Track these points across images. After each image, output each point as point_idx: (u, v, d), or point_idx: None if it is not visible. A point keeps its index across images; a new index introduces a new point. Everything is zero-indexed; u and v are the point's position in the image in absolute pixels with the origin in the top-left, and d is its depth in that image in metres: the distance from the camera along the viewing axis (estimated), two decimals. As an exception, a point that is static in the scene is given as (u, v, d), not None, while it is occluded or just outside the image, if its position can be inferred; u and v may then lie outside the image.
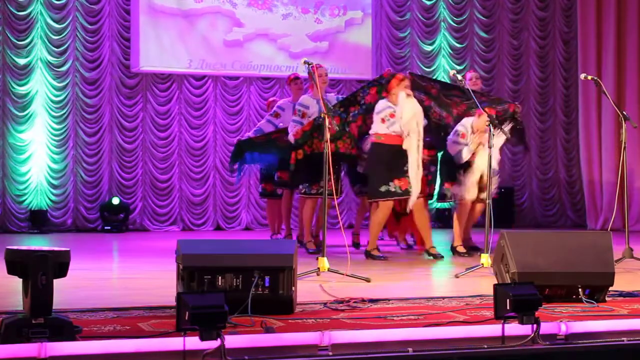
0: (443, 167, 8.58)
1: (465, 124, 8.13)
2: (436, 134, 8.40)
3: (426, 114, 8.12)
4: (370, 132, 7.94)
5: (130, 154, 11.91)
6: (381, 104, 7.89)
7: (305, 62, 6.86)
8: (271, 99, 10.47)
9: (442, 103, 8.35)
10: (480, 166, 7.98)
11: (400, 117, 7.71)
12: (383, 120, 7.78)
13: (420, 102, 8.09)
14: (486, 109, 7.71)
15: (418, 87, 8.28)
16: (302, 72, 9.20)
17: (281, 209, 9.38)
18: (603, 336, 4.19)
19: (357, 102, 8.26)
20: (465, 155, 8.07)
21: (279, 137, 8.72)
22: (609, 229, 7.38)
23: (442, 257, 8.04)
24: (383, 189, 7.74)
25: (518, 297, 3.99)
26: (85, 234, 11.27)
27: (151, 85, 11.98)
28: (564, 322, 4.24)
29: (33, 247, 3.87)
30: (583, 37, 12.80)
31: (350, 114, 8.18)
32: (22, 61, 11.39)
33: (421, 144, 7.80)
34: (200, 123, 12.21)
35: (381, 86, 8.21)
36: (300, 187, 8.52)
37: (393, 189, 7.72)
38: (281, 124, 8.91)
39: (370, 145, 7.95)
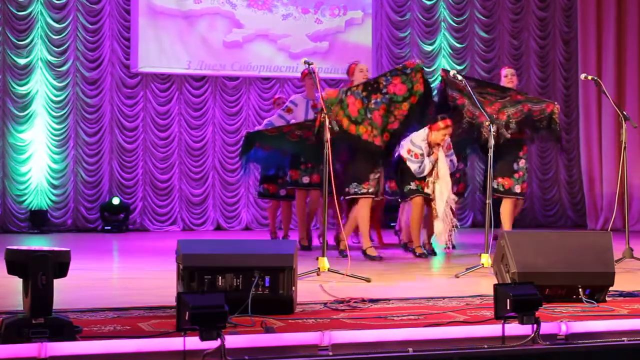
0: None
1: (419, 143, 7.96)
2: (469, 133, 8.29)
3: (459, 113, 8.11)
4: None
5: (131, 154, 11.91)
6: (419, 135, 7.95)
7: (305, 62, 6.84)
8: (277, 95, 10.31)
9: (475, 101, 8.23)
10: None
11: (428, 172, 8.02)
12: (409, 151, 7.99)
13: (453, 100, 8.12)
14: (525, 106, 7.98)
15: (451, 84, 8.21)
16: (325, 72, 8.96)
17: (298, 211, 9.00)
18: (603, 336, 4.19)
19: (380, 90, 8.04)
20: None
21: (290, 131, 8.38)
22: (609, 229, 7.38)
23: (427, 256, 8.08)
24: (406, 189, 8.09)
25: (518, 297, 3.99)
26: (85, 234, 11.26)
27: (151, 85, 11.98)
28: (564, 322, 4.24)
29: (33, 247, 3.87)
30: (583, 37, 12.80)
31: (372, 101, 7.99)
32: (22, 61, 11.39)
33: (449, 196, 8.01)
34: (199, 123, 12.22)
35: (406, 76, 8.06)
36: (348, 188, 8.06)
37: (415, 187, 8.04)
38: (293, 120, 8.67)
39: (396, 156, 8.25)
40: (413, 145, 7.99)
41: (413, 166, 7.97)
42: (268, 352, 3.76)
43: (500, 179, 8.30)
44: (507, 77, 8.81)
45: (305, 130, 8.23)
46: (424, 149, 7.94)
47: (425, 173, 8.00)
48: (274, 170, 9.06)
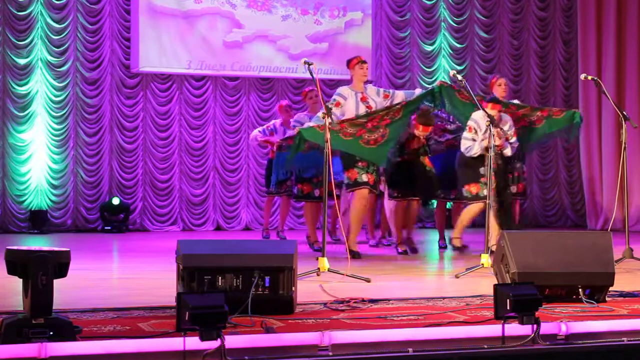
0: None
1: (478, 119, 7.95)
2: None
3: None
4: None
5: (131, 154, 11.91)
6: (479, 112, 7.88)
7: (305, 62, 6.81)
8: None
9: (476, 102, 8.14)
10: None
11: None
12: (469, 128, 8.17)
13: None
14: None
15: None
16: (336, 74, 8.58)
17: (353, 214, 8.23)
18: (603, 336, 4.19)
19: None
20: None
21: (343, 129, 7.81)
22: (609, 229, 7.38)
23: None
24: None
25: (518, 297, 3.98)
26: (85, 234, 11.26)
27: (151, 85, 11.98)
28: (564, 322, 4.24)
29: (33, 247, 3.87)
30: (583, 37, 12.80)
31: None
32: (22, 61, 11.39)
33: None
34: (200, 123, 12.22)
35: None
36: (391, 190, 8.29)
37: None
38: (342, 116, 7.96)
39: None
40: (472, 121, 7.98)
41: (465, 143, 8.00)
42: (268, 352, 3.76)
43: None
44: (501, 86, 8.61)
45: (359, 128, 7.85)
46: (482, 126, 7.80)
47: (472, 153, 7.95)
48: (314, 170, 8.54)
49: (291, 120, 9.29)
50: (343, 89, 8.14)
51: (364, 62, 8.19)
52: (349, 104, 7.99)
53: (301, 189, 8.94)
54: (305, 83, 12.24)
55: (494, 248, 8.54)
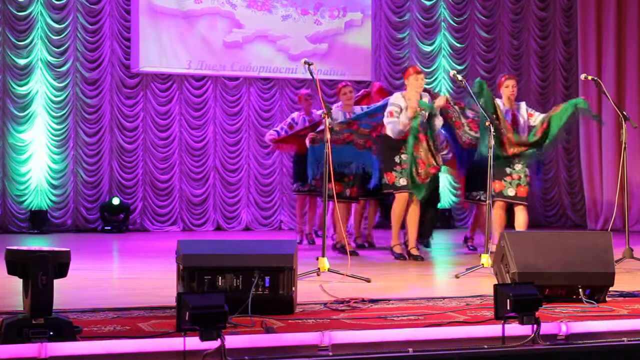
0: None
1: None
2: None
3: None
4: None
5: (131, 154, 11.91)
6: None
7: (305, 63, 6.81)
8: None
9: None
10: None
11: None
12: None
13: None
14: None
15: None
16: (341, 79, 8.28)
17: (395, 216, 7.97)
18: (603, 336, 4.19)
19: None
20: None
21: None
22: (609, 229, 7.37)
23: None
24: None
25: (518, 297, 3.99)
26: (85, 234, 11.26)
27: (151, 85, 11.98)
28: (564, 322, 4.24)
29: (33, 247, 3.87)
30: (583, 37, 12.81)
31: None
32: (22, 61, 11.39)
33: None
34: (200, 123, 12.22)
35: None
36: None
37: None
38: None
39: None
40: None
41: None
42: (268, 352, 3.76)
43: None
44: (509, 87, 8.12)
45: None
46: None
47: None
48: (351, 166, 8.28)
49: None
50: (398, 98, 7.87)
51: (420, 72, 7.92)
52: (402, 115, 7.81)
53: (330, 189, 8.40)
54: (305, 83, 12.25)
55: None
